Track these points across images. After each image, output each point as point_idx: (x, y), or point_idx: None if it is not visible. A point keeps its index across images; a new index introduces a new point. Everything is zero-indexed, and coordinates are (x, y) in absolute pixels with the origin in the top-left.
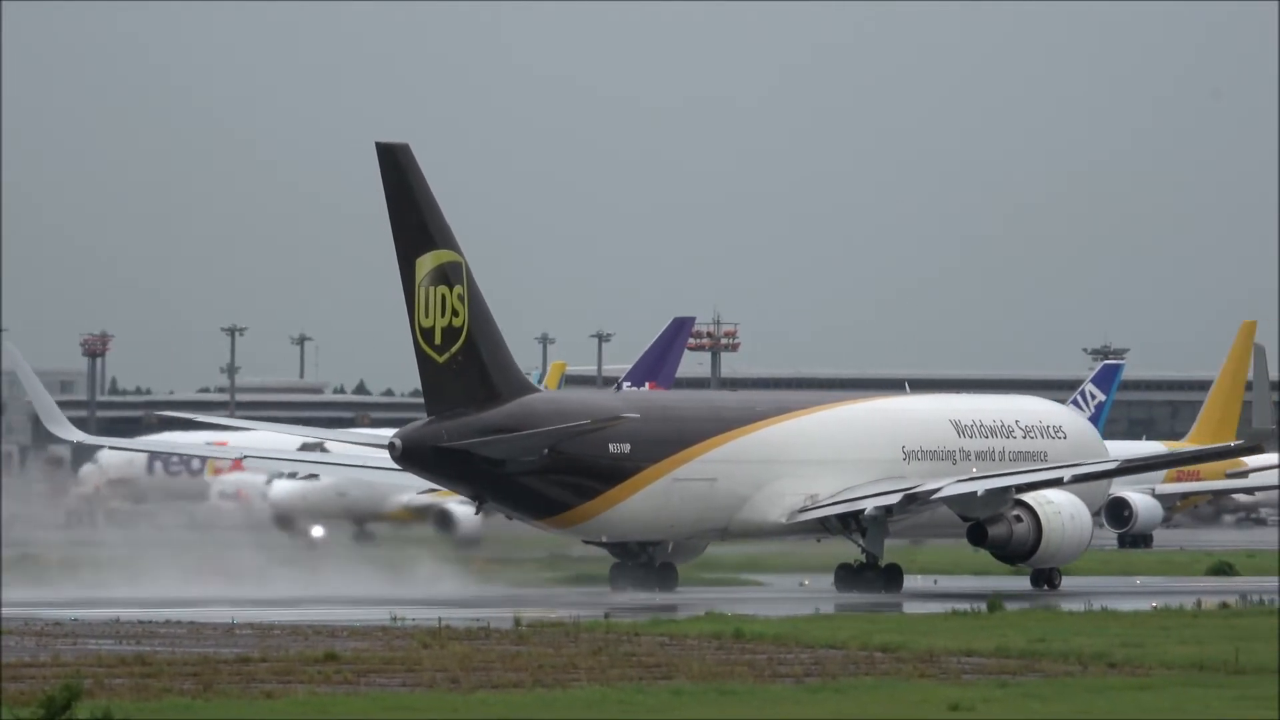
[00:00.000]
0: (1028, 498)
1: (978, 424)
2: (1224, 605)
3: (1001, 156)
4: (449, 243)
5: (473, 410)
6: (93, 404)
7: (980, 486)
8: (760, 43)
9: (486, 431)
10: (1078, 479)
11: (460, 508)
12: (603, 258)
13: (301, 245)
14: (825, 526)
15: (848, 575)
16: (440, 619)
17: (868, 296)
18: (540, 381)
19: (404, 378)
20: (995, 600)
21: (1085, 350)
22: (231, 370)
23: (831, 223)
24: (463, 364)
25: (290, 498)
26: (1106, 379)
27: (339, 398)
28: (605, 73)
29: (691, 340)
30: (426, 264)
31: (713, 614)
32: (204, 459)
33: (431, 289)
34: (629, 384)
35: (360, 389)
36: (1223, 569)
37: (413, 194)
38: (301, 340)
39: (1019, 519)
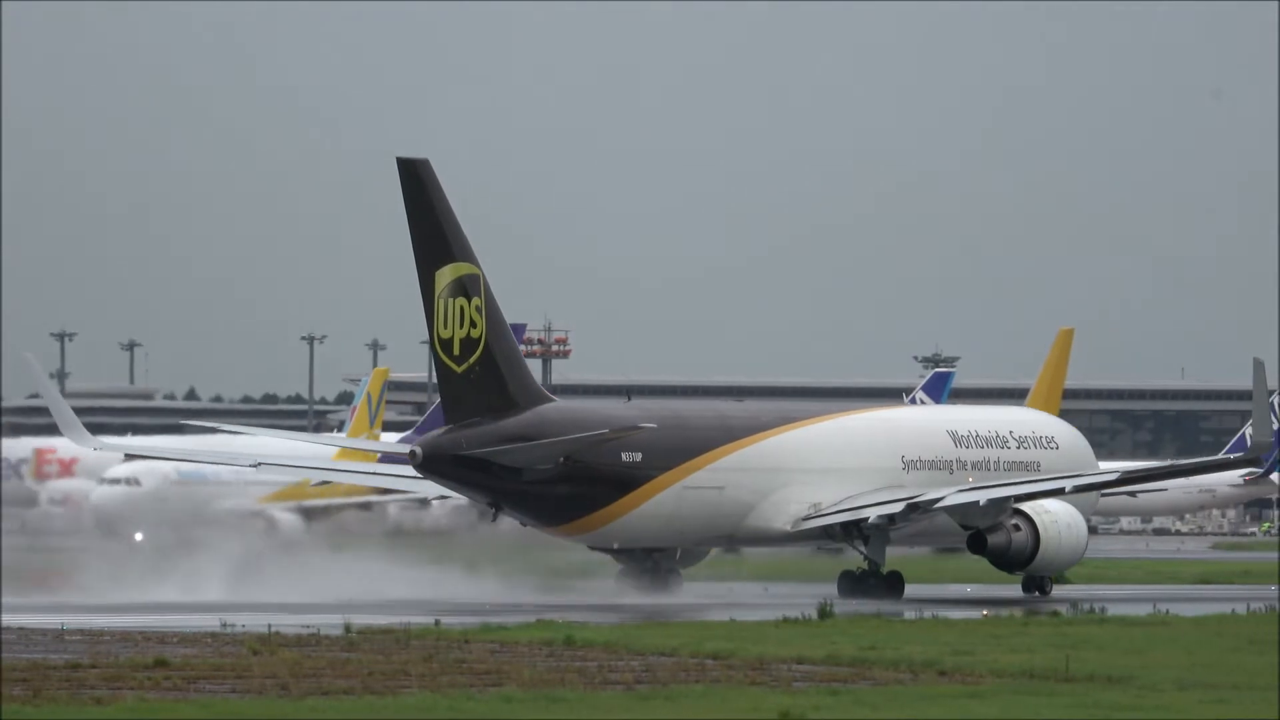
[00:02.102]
0: (1026, 507)
1: (974, 434)
2: (1054, 614)
3: (848, 164)
4: (467, 255)
5: (490, 419)
6: None
7: (983, 496)
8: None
9: (504, 440)
10: (1079, 489)
11: (283, 515)
12: None
13: (131, 250)
14: (829, 534)
15: (851, 582)
16: (270, 625)
17: (701, 304)
18: (364, 390)
19: (233, 383)
20: (826, 607)
21: (916, 358)
22: (61, 376)
23: (659, 228)
24: (480, 374)
25: (112, 504)
26: (937, 387)
27: (169, 404)
28: (433, 75)
29: (523, 347)
30: (445, 276)
31: (543, 621)
32: (220, 464)
33: (450, 301)
34: None
35: (190, 395)
36: (1057, 577)
37: (432, 208)
38: (131, 346)
39: (1017, 528)
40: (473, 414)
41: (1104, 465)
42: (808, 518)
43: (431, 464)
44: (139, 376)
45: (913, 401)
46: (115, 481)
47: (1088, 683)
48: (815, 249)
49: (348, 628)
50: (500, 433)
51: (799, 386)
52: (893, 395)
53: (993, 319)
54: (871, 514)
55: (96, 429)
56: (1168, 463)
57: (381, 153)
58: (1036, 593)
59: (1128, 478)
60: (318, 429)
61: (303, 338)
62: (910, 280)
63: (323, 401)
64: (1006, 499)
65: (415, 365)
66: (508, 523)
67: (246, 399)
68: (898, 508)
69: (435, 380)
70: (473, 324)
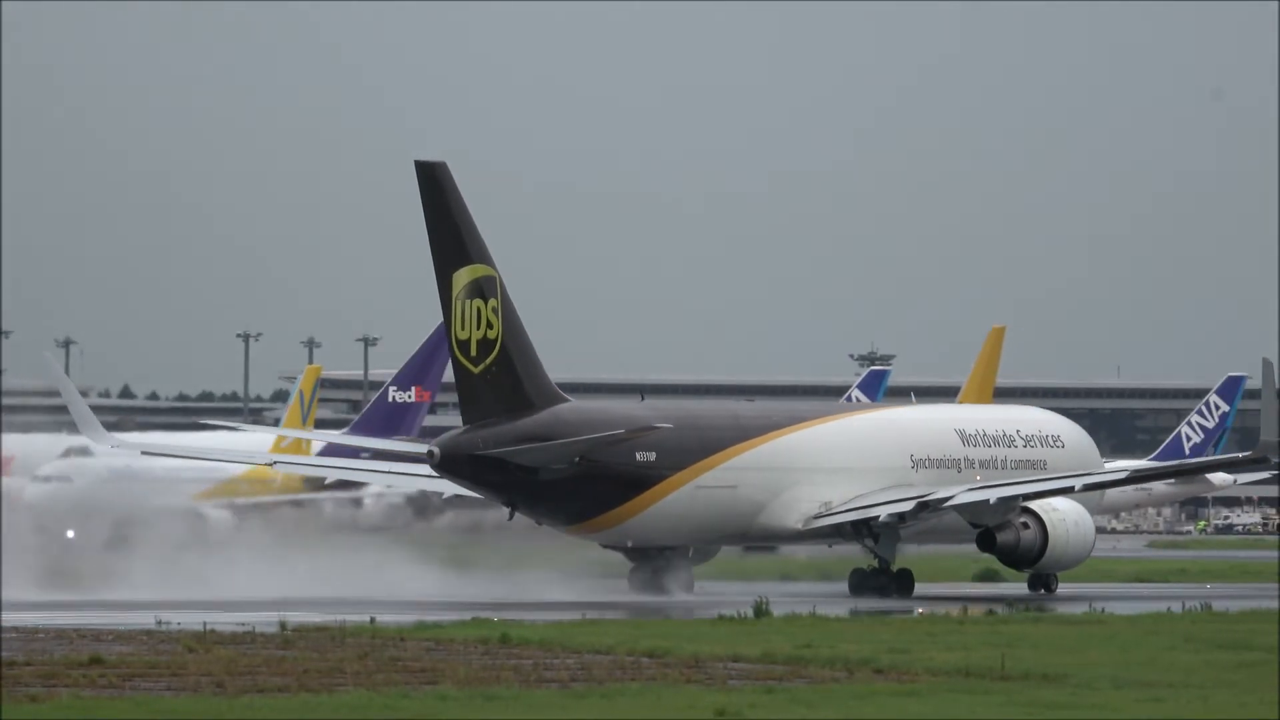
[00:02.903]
0: (1034, 505)
1: (981, 433)
2: (990, 612)
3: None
4: (484, 257)
5: (506, 419)
6: None
7: (992, 494)
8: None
9: (520, 440)
10: (1088, 488)
11: (215, 512)
12: (369, 262)
13: (66, 248)
14: (839, 532)
15: (861, 580)
16: (205, 623)
17: (631, 302)
18: (297, 388)
19: (168, 381)
20: (761, 605)
21: (852, 356)
22: None
23: (578, 225)
24: (497, 374)
25: (44, 500)
26: (873, 385)
27: (104, 401)
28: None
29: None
30: (463, 278)
31: (479, 620)
32: (237, 462)
33: (467, 302)
34: (394, 389)
35: (125, 393)
36: (990, 575)
37: (450, 211)
38: (66, 344)
39: (1026, 526)
40: (489, 414)
41: (1108, 465)
42: (818, 516)
43: (449, 464)
44: (73, 374)
45: (848, 400)
46: (48, 479)
47: (1023, 681)
48: (752, 249)
49: (283, 625)
50: (517, 432)
51: (733, 384)
52: (829, 394)
53: (929, 317)
54: (882, 512)
55: (29, 428)
56: (1175, 461)
57: (328, 146)
58: (1042, 590)
59: (1136, 476)
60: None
61: (238, 335)
62: (846, 278)
63: (258, 399)
64: (1015, 497)
65: (352, 363)
66: (448, 518)
67: (182, 396)
68: (908, 506)
69: (370, 378)
70: (489, 325)
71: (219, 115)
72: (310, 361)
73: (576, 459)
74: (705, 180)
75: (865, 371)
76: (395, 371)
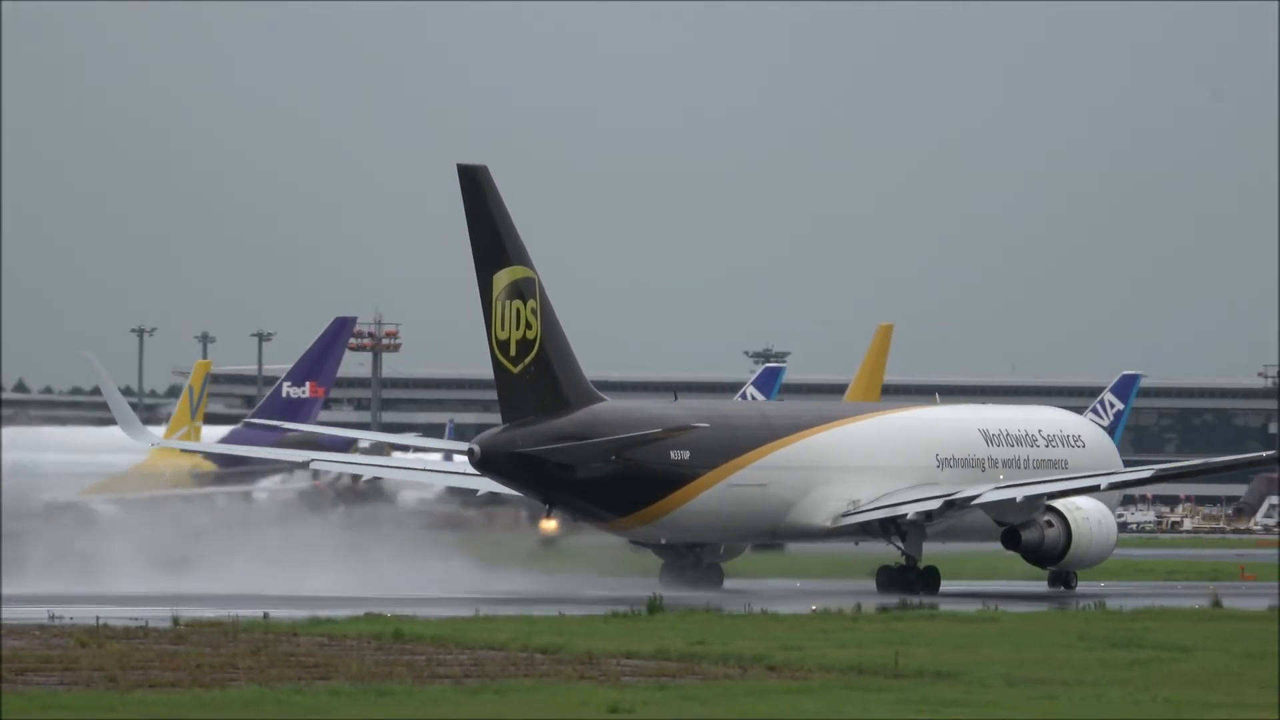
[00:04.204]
0: (1058, 504)
1: (1004, 433)
2: (883, 609)
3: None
4: (523, 259)
5: (544, 418)
6: None
7: (1019, 493)
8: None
9: (558, 438)
10: (1114, 487)
11: (104, 506)
12: (264, 256)
13: None
14: (866, 530)
15: (889, 577)
16: (98, 618)
17: None
18: (187, 383)
19: (63, 376)
20: (655, 602)
21: (747, 353)
22: None
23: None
24: (535, 374)
25: None
26: (768, 382)
27: None
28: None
29: (353, 340)
30: (503, 279)
31: (372, 615)
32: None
33: (507, 303)
34: (288, 384)
35: (20, 387)
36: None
37: (490, 213)
38: None
39: (1050, 524)
40: (527, 413)
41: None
42: (847, 514)
43: (489, 461)
44: None
45: (743, 397)
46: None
47: (916, 678)
48: (647, 246)
49: (176, 620)
50: (555, 431)
51: (630, 381)
52: (724, 391)
53: (823, 314)
54: (910, 510)
55: None
56: (1200, 460)
57: (237, 141)
58: (1062, 587)
59: (1161, 475)
60: (147, 422)
61: (133, 330)
62: (742, 275)
63: (153, 394)
64: (1040, 496)
65: (245, 358)
66: (340, 511)
67: (76, 390)
68: (935, 504)
69: (263, 373)
70: (528, 326)
71: (119, 116)
72: (205, 356)
73: (613, 457)
74: (604, 171)
75: (760, 369)
76: (289, 366)
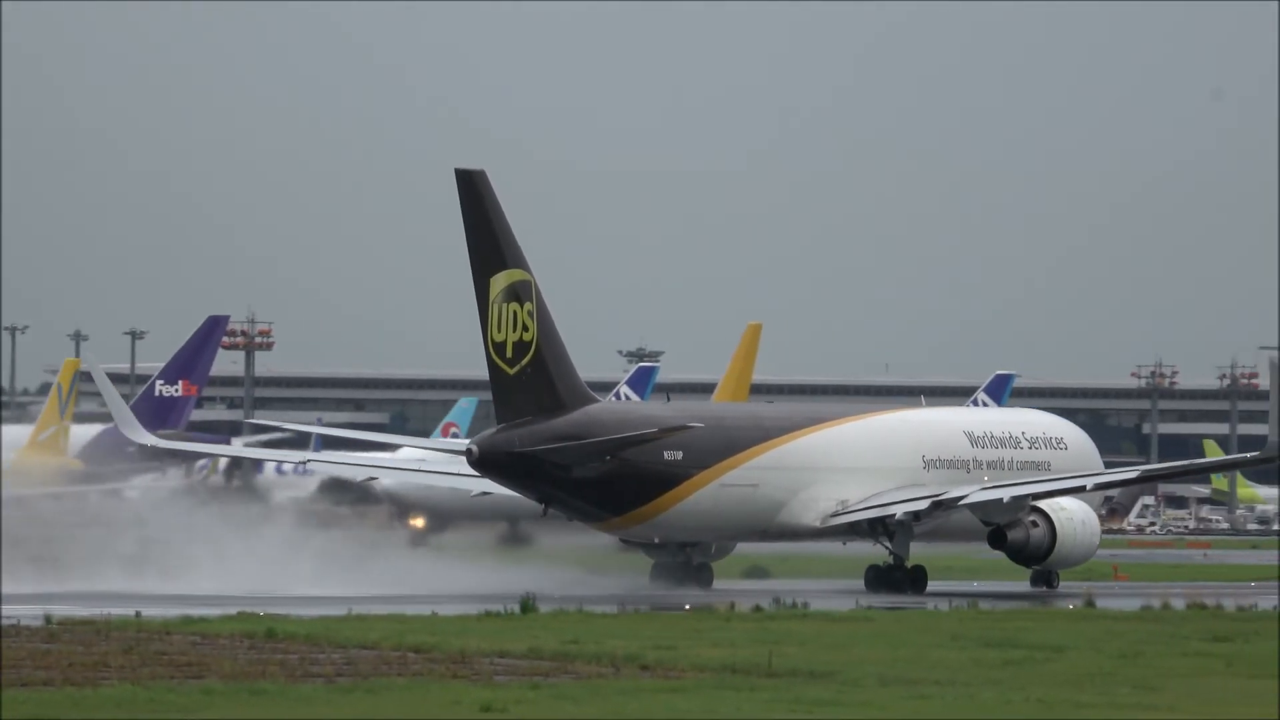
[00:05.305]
0: (1043, 504)
1: (989, 435)
2: (757, 608)
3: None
4: (520, 262)
5: (541, 419)
6: None
7: (1007, 493)
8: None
9: (555, 439)
10: (1099, 487)
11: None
12: (137, 254)
13: None
14: (855, 530)
15: (877, 576)
16: None
17: (405, 295)
18: (55, 381)
19: None
20: (528, 601)
21: (620, 352)
22: None
23: (334, 222)
24: (532, 376)
25: None
26: (641, 381)
27: None
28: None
29: (226, 339)
30: (500, 282)
31: (244, 614)
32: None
33: (504, 306)
34: (161, 382)
35: None
36: (757, 572)
37: (488, 217)
38: None
39: (1035, 524)
40: (523, 414)
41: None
42: (836, 514)
43: (487, 461)
44: None
45: (616, 397)
46: None
47: (790, 678)
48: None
49: (48, 619)
50: (553, 431)
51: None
52: (597, 390)
53: (695, 313)
54: (898, 510)
55: None
56: (1186, 461)
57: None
58: (1045, 586)
59: (1147, 475)
60: (17, 421)
61: (5, 328)
62: (617, 273)
63: (25, 393)
64: (1026, 496)
65: (118, 356)
66: (214, 510)
67: None
68: (923, 505)
69: (136, 371)
70: (525, 328)
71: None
72: (77, 354)
73: (608, 457)
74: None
75: (634, 368)
76: (162, 365)
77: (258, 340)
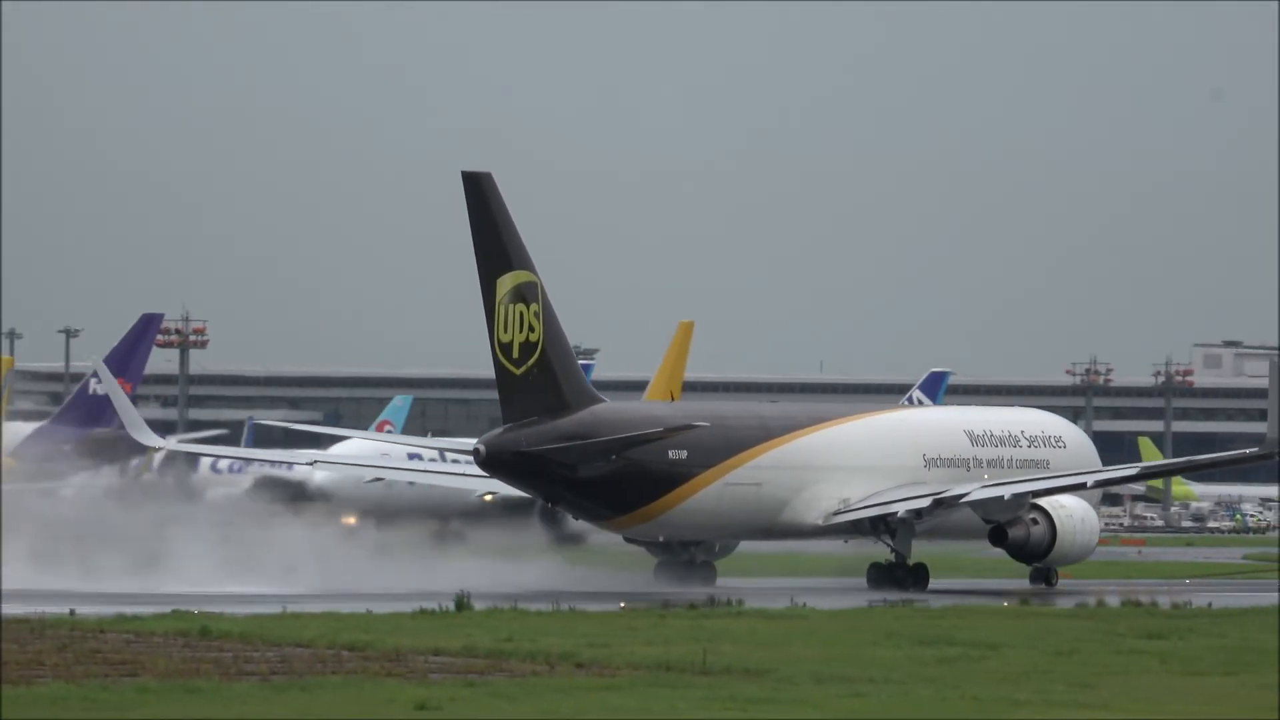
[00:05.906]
0: (1043, 502)
1: (988, 434)
2: (691, 606)
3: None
4: (526, 264)
5: (546, 419)
6: None
7: (1008, 491)
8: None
9: (561, 438)
10: (1100, 484)
11: None
12: (71, 251)
13: None
14: (857, 528)
15: (879, 574)
16: None
17: (347, 291)
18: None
19: None
20: (462, 599)
21: None
22: None
23: (299, 218)
24: (538, 376)
25: None
26: None
27: None
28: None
29: (160, 337)
30: (506, 284)
31: (179, 612)
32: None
33: (510, 307)
34: (96, 380)
35: None
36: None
37: (494, 219)
38: None
39: (1035, 522)
40: (529, 414)
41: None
42: (838, 512)
43: (494, 461)
44: None
45: None
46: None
47: (725, 675)
48: (454, 240)
49: None
50: (559, 431)
51: (426, 378)
52: None
53: (631, 311)
54: (900, 509)
55: None
56: (1184, 459)
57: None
58: (1044, 584)
59: (1146, 472)
60: None
61: None
62: (558, 270)
63: None
64: (1027, 494)
65: (53, 355)
66: (149, 510)
67: None
68: (925, 503)
69: (70, 369)
70: (531, 329)
71: None
72: (10, 353)
73: (614, 457)
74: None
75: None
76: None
77: (192, 338)
